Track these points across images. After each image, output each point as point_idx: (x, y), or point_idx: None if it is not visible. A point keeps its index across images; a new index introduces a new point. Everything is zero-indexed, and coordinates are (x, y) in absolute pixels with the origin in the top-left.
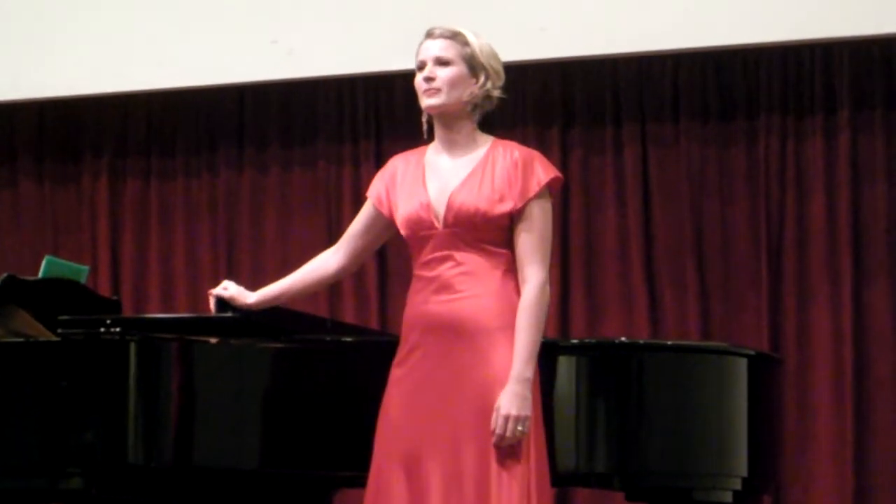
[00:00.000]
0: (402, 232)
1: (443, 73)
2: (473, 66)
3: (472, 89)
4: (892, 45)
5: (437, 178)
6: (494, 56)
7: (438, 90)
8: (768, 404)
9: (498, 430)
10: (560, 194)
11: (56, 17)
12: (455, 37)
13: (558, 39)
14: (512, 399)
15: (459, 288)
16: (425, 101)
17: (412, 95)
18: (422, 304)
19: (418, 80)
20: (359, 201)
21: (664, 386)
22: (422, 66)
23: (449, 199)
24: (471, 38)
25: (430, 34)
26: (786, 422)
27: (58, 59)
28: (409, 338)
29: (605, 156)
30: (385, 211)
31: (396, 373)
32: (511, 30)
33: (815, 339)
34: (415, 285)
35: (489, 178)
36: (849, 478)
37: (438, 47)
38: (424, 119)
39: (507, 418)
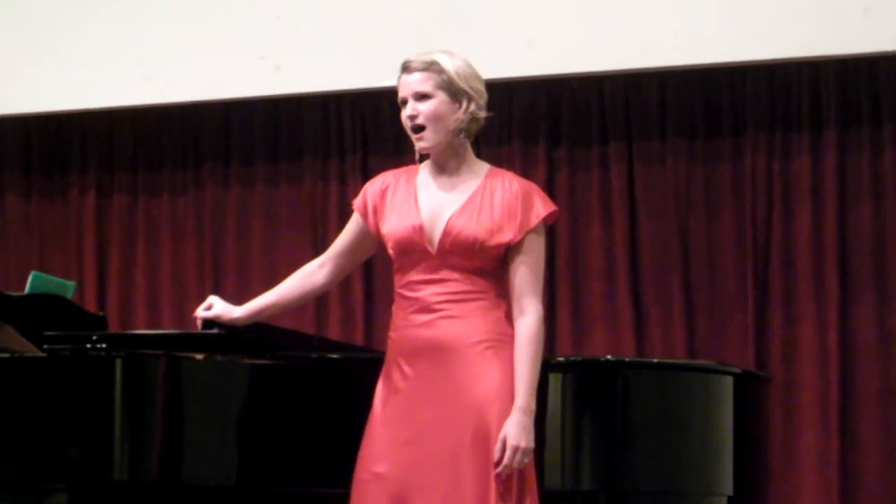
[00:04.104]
0: (390, 251)
1: (424, 108)
2: (454, 91)
3: (457, 115)
4: (879, 63)
5: (430, 200)
6: (474, 76)
7: (424, 129)
8: (754, 422)
9: (505, 461)
10: None
11: (42, 33)
12: (430, 66)
13: (545, 56)
14: (520, 431)
15: (444, 309)
16: (416, 145)
17: (399, 111)
18: (404, 327)
19: (403, 118)
20: (345, 217)
21: (650, 404)
22: (404, 103)
23: (447, 224)
24: (446, 63)
25: (405, 68)
26: (771, 440)
27: (45, 75)
28: (393, 361)
29: (592, 173)
30: (371, 225)
31: (382, 395)
32: (498, 47)
33: (802, 356)
34: (398, 303)
35: (488, 207)
36: (834, 496)
37: (416, 81)
38: (417, 152)
39: (515, 449)
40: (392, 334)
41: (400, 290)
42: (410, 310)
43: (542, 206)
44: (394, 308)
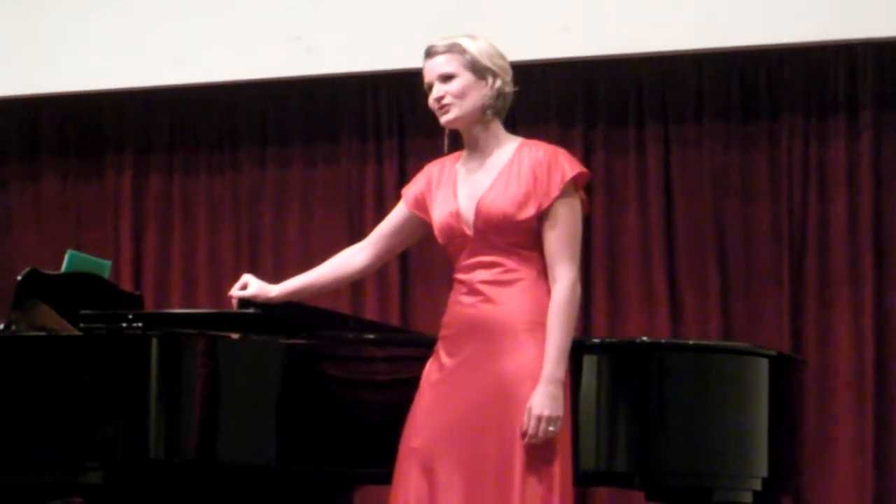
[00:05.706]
0: (439, 240)
1: (451, 88)
2: (478, 69)
3: (484, 92)
4: None
5: (466, 184)
6: (496, 54)
7: (450, 105)
8: (789, 405)
9: (530, 431)
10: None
11: (79, 13)
12: (452, 48)
13: (581, 39)
14: (544, 400)
15: (488, 291)
16: (442, 119)
17: None
18: (455, 306)
19: (431, 102)
20: (382, 199)
21: (685, 386)
22: (430, 88)
23: (477, 204)
24: (467, 44)
25: (428, 53)
26: (806, 423)
27: (81, 55)
28: (443, 341)
29: (628, 156)
30: (425, 216)
31: (429, 374)
32: (534, 29)
33: (836, 340)
34: (453, 287)
35: (515, 180)
36: (869, 480)
37: (439, 64)
38: (446, 136)
39: (539, 419)
40: (445, 316)
41: (454, 276)
42: (461, 292)
43: (568, 169)
44: (451, 292)
